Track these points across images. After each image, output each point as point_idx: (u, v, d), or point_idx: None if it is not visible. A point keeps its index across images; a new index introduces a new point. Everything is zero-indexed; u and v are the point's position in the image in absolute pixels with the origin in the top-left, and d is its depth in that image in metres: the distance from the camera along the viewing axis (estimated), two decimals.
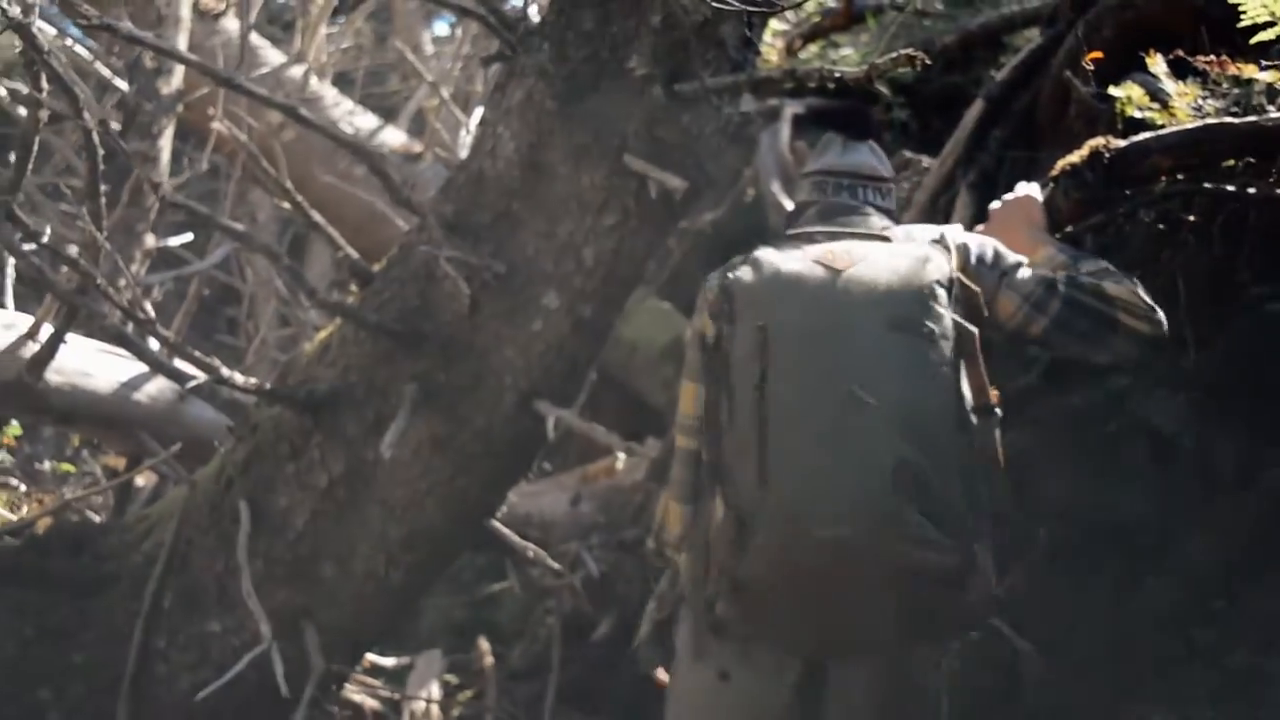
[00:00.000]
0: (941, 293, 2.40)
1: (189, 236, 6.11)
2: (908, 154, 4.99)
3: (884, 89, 6.74)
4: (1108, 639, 3.04)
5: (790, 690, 2.43)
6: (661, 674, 2.86)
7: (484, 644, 5.08)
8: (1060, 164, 3.04)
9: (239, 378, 2.95)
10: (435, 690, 5.03)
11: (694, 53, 2.89)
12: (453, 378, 3.04)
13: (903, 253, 2.46)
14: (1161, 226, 3.10)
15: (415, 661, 5.25)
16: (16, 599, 3.24)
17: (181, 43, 5.84)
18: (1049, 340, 2.54)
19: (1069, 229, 3.16)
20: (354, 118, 6.45)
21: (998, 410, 2.41)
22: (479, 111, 3.95)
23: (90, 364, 3.64)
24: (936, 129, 6.73)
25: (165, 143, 5.77)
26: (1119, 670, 3.02)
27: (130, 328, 3.10)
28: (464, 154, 3.45)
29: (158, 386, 3.75)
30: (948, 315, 2.39)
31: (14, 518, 3.58)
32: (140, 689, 3.20)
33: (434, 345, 3.03)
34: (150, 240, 5.53)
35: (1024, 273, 2.55)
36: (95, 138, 2.71)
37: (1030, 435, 3.20)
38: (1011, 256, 2.60)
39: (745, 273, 2.45)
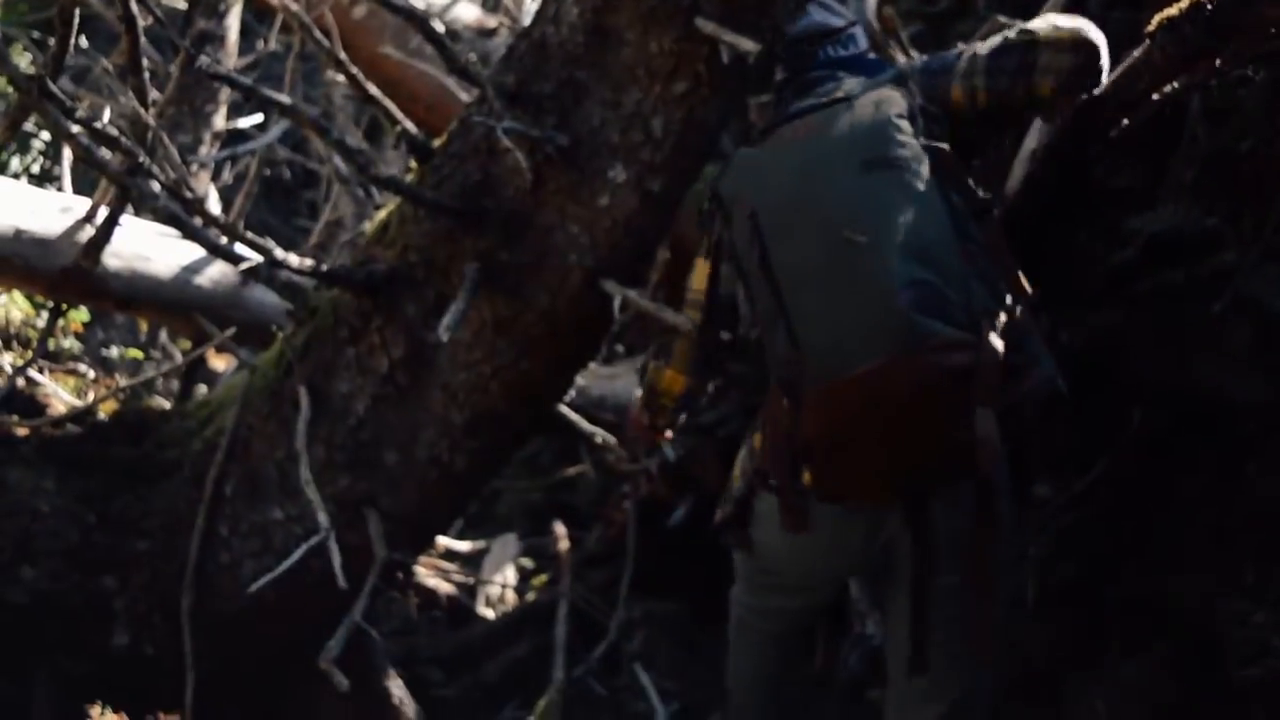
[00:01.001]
0: (903, 123, 2.54)
1: (260, 118, 6.00)
2: (1001, 19, 4.73)
3: None
4: (1206, 529, 2.88)
5: (884, 525, 2.58)
6: None
7: (560, 528, 5.02)
8: (1157, 18, 2.81)
9: (293, 259, 2.83)
10: (510, 574, 4.98)
11: None
12: (515, 256, 2.90)
13: (861, 103, 2.60)
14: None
15: (490, 545, 5.20)
16: (79, 486, 3.19)
17: None
18: (992, 97, 2.61)
19: (1167, 88, 2.94)
20: None
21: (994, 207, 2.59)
22: None
23: (149, 247, 3.56)
24: None
25: (233, 21, 5.67)
26: (1217, 562, 2.86)
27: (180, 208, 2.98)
28: (526, 19, 3.27)
29: (219, 271, 3.67)
30: (913, 141, 2.52)
31: (81, 404, 3.52)
32: (204, 576, 3.15)
33: (495, 223, 2.89)
34: (219, 121, 5.45)
35: (964, 58, 2.67)
36: (134, 7, 2.57)
37: (1127, 313, 3.01)
38: (956, 51, 2.71)
39: (728, 176, 2.68)
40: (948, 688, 2.62)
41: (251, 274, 2.92)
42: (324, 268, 2.92)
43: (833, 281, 2.41)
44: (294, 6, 2.87)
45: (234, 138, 6.24)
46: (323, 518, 2.80)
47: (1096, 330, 3.26)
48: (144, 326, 4.80)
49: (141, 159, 2.59)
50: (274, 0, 2.75)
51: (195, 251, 3.64)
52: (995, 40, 2.66)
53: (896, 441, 2.39)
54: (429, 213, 2.93)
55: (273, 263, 2.79)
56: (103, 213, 3.38)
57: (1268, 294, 2.73)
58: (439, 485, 3.09)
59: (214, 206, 3.78)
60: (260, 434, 3.16)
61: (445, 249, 2.94)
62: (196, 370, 3.95)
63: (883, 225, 2.41)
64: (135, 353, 4.51)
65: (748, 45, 2.61)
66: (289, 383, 3.12)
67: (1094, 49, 2.59)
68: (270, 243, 2.88)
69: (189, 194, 2.64)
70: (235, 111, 5.97)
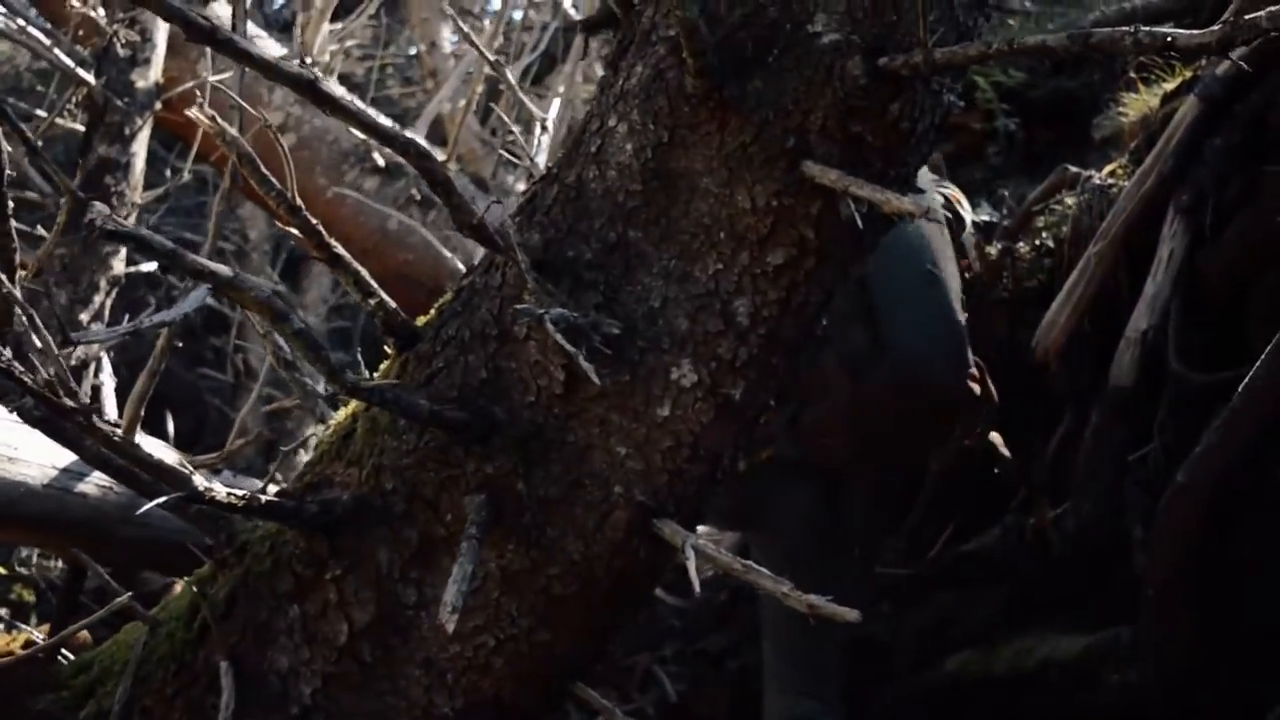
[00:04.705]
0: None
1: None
2: (1070, 168, 4.03)
3: (988, 95, 5.83)
4: None
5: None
6: None
7: None
8: None
9: (219, 489, 1.96)
10: None
11: (906, 12, 1.93)
12: (536, 487, 2.05)
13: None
14: None
15: None
16: None
17: (160, 32, 4.93)
18: None
19: None
20: None
21: None
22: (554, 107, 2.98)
23: (18, 438, 2.66)
24: (1045, 140, 5.81)
25: (140, 148, 4.83)
26: None
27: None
28: (541, 158, 2.47)
29: None
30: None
31: None
32: None
33: (509, 440, 2.05)
34: (119, 266, 4.59)
35: None
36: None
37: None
38: None
39: None
40: None
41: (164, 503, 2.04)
42: (263, 498, 2.05)
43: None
44: (232, 131, 2.05)
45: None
46: None
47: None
48: None
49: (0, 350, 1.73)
50: (208, 126, 1.92)
51: None
52: None
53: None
54: (414, 424, 2.09)
55: (190, 497, 1.92)
56: None
57: None
58: None
59: (107, 384, 2.89)
60: None
61: (436, 474, 2.09)
62: (70, 617, 2.99)
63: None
64: None
65: (903, 205, 1.81)
66: (204, 651, 2.23)
67: None
68: (182, 462, 2.02)
69: (70, 400, 1.77)
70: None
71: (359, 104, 2.11)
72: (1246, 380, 2.32)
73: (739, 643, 3.64)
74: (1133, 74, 4.58)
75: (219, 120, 2.06)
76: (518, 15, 7.34)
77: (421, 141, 5.16)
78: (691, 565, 1.93)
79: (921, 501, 3.57)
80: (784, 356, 2.08)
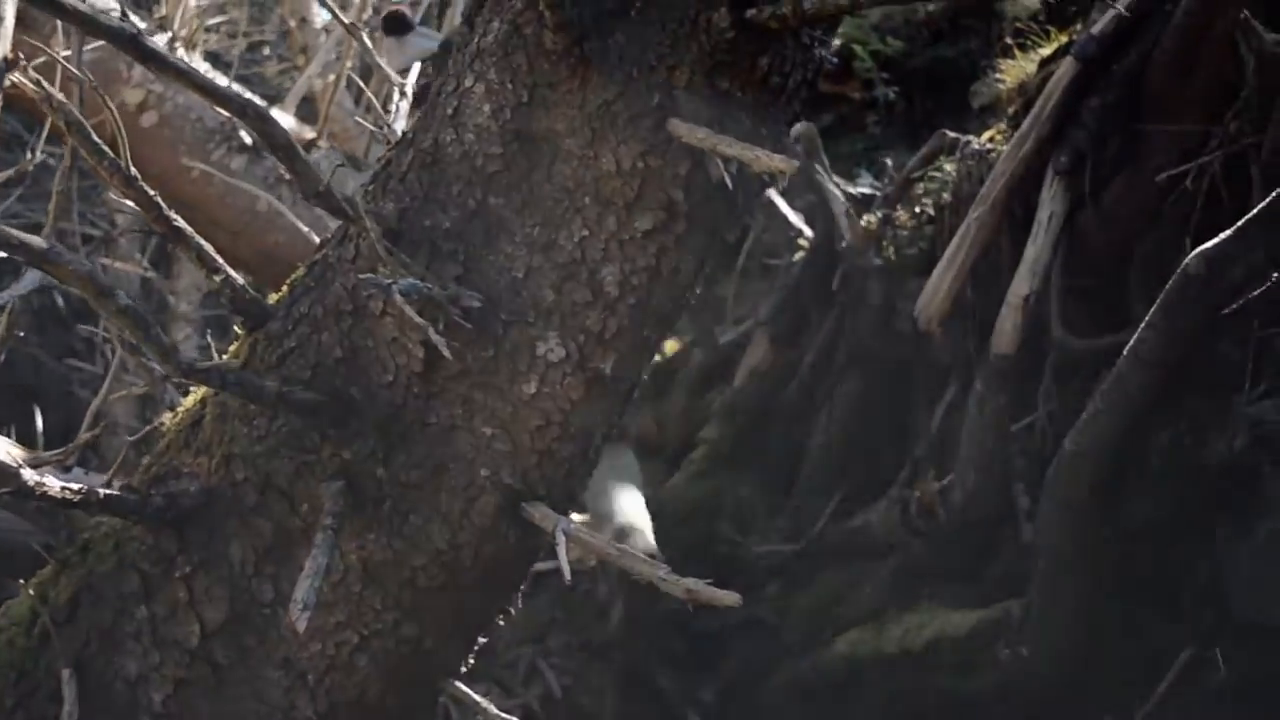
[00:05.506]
0: None
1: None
2: (948, 133, 3.97)
3: (867, 64, 5.79)
4: None
5: None
6: None
7: None
8: None
9: (52, 483, 1.82)
10: None
11: None
12: (398, 472, 1.94)
13: None
14: None
15: None
16: None
17: (8, 4, 4.69)
18: None
19: None
20: None
21: None
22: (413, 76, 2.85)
23: None
24: (925, 109, 5.79)
25: None
26: None
27: None
28: (399, 125, 2.34)
29: None
30: None
31: None
32: None
33: (368, 421, 1.93)
34: None
35: None
36: None
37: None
38: None
39: None
40: None
41: None
42: (102, 492, 1.91)
43: None
44: (59, 96, 1.90)
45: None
46: None
47: None
48: None
49: None
50: (29, 90, 1.78)
51: None
52: None
53: None
54: (264, 408, 1.96)
55: (20, 493, 1.78)
56: None
57: None
58: None
59: None
60: None
61: (290, 461, 1.96)
62: None
63: None
64: None
65: (773, 163, 1.72)
66: (46, 658, 2.08)
67: None
68: (15, 453, 1.87)
69: None
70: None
71: (189, 64, 1.96)
72: (1130, 344, 2.28)
73: (624, 633, 3.55)
74: (1010, 40, 4.56)
75: (44, 85, 1.92)
76: None
77: (285, 121, 4.94)
78: (562, 550, 1.83)
79: (804, 478, 3.49)
80: (656, 327, 1.99)
